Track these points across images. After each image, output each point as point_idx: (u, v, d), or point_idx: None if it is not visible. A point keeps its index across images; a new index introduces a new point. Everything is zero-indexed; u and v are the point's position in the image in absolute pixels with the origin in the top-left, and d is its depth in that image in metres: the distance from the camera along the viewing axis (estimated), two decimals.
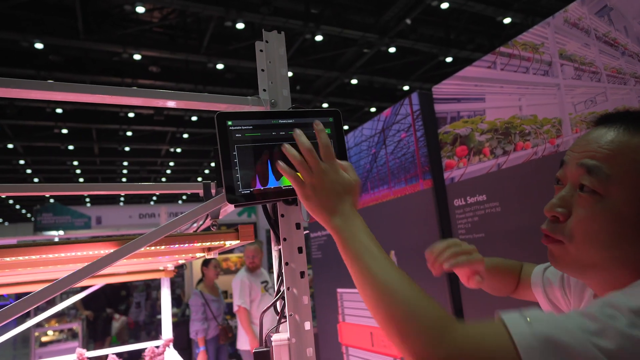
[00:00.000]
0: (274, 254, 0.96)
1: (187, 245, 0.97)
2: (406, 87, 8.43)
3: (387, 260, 0.63)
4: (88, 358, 2.10)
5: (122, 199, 13.25)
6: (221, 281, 6.34)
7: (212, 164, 12.21)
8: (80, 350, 2.10)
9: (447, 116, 1.99)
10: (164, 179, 13.27)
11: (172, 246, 0.94)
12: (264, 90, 0.98)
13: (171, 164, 11.83)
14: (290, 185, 0.84)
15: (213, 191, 1.19)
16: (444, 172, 2.03)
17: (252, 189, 0.79)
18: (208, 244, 1.00)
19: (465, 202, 1.92)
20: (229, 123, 0.81)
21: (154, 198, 13.71)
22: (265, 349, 0.89)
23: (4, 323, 0.70)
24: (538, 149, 1.64)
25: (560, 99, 1.55)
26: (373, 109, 9.13)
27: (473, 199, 1.88)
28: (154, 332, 6.70)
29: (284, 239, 0.89)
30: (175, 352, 2.27)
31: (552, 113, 1.58)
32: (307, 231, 3.18)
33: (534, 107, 1.65)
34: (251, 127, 0.83)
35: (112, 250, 0.80)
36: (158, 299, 7.23)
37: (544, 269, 0.87)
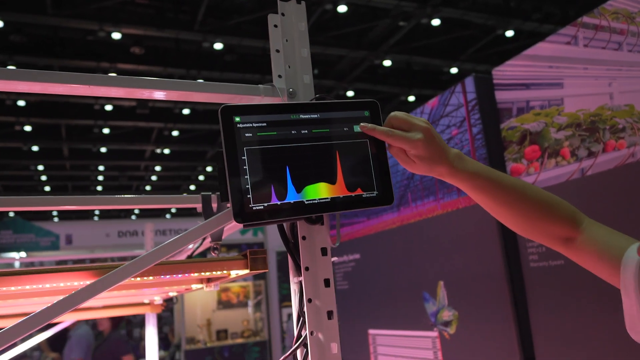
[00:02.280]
0: (293, 288, 0.94)
1: (180, 276, 0.97)
2: (454, 70, 8.35)
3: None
4: None
5: (97, 212, 13.47)
6: (219, 317, 6.36)
7: (210, 169, 12.31)
8: None
9: (513, 107, 1.96)
10: (148, 187, 13.44)
11: (162, 277, 0.93)
12: (280, 76, 0.97)
13: (157, 168, 11.94)
14: (315, 199, 0.84)
15: (214, 205, 1.20)
16: None
17: (266, 204, 0.79)
18: (207, 274, 0.99)
19: None
20: (237, 119, 0.81)
21: (136, 212, 13.90)
22: None
23: None
24: (636, 149, 1.61)
25: None
26: (412, 98, 9.06)
27: None
28: None
29: (306, 269, 0.88)
30: None
31: None
32: (335, 258, 3.22)
33: (629, 94, 1.62)
34: (265, 124, 0.82)
35: (88, 282, 0.80)
36: (142, 338, 7.30)
37: (637, 267, 0.84)
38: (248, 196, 0.77)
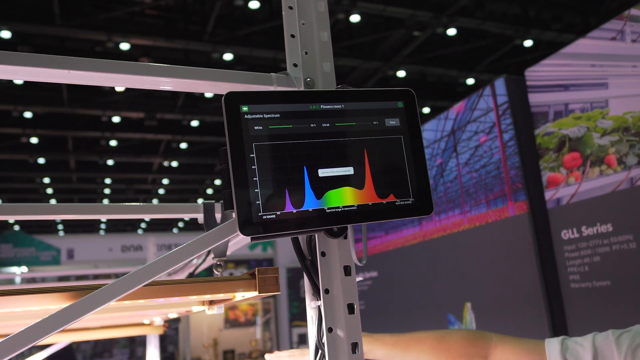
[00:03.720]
0: (310, 314, 0.84)
1: (177, 299, 0.84)
2: (470, 81, 8.29)
3: None
4: None
5: (102, 226, 13.52)
6: (226, 336, 6.27)
7: (219, 182, 12.33)
8: None
9: (549, 110, 1.91)
10: (155, 201, 13.49)
11: (155, 300, 0.81)
12: (295, 65, 0.88)
13: (165, 181, 12.01)
14: (338, 207, 0.73)
15: (218, 216, 1.08)
16: (546, 191, 1.96)
17: (279, 213, 0.69)
18: (208, 296, 0.86)
19: (580, 235, 1.82)
20: (245, 109, 0.71)
21: (143, 225, 13.93)
22: None
23: None
24: None
25: None
26: (426, 110, 9.02)
27: (592, 229, 1.77)
28: None
29: (326, 291, 0.79)
30: None
31: None
32: (361, 278, 3.17)
33: None
34: (278, 115, 0.73)
35: (64, 306, 0.69)
36: (145, 357, 7.19)
37: (561, 352, 1.02)
38: (257, 203, 0.68)
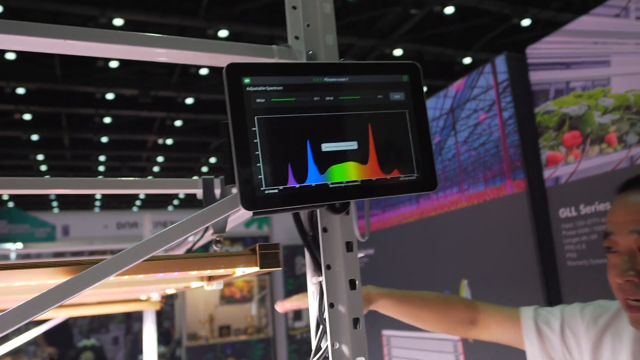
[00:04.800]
0: (311, 290, 0.85)
1: (177, 273, 0.83)
2: (467, 60, 8.27)
3: None
4: None
5: (97, 203, 13.57)
6: (222, 312, 6.34)
7: (214, 160, 12.32)
8: None
9: (550, 89, 1.90)
10: (150, 178, 13.52)
11: (155, 275, 0.80)
12: (297, 38, 0.86)
13: (160, 159, 12.05)
14: (341, 182, 0.72)
15: (217, 191, 1.07)
16: (544, 170, 1.97)
17: (281, 187, 0.68)
18: (208, 272, 0.85)
19: (578, 214, 1.83)
20: (247, 81, 0.69)
21: (138, 203, 13.98)
22: None
23: None
24: None
25: None
26: (424, 89, 9.03)
27: (590, 208, 1.79)
28: None
29: (328, 267, 0.78)
30: None
31: None
32: (362, 254, 3.19)
33: None
34: (281, 87, 0.71)
35: (62, 281, 0.68)
36: (142, 332, 7.28)
37: (534, 318, 1.16)
38: (259, 177, 0.67)
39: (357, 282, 0.79)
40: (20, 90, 8.16)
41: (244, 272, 0.87)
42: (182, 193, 1.16)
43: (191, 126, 10.23)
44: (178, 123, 9.88)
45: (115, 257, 0.69)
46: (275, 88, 0.70)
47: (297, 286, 6.23)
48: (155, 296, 1.93)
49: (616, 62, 1.69)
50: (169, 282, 1.18)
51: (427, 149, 0.77)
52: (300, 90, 0.71)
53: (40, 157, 11.09)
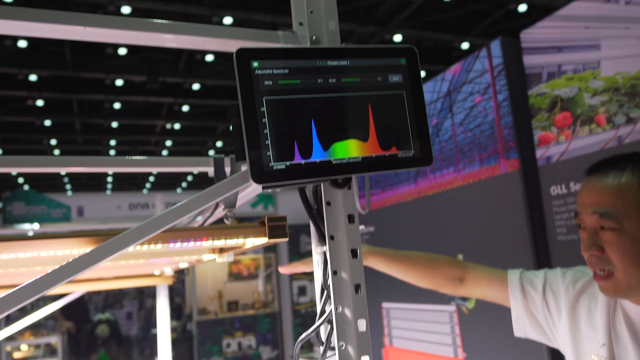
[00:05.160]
0: (316, 259, 0.88)
1: (191, 244, 0.87)
2: (465, 45, 8.19)
3: None
4: None
5: (109, 185, 13.60)
6: (230, 289, 6.42)
7: (220, 144, 12.31)
8: None
9: (543, 72, 1.90)
10: (163, 157, 13.57)
11: (171, 244, 0.83)
12: (301, 24, 0.88)
13: (168, 143, 12.05)
14: (343, 158, 0.74)
15: (228, 169, 1.10)
16: (537, 149, 1.97)
17: (288, 163, 0.71)
18: (222, 242, 0.89)
19: (568, 191, 1.83)
20: (255, 64, 0.72)
21: (148, 185, 14.01)
22: None
23: None
24: None
25: None
26: (422, 74, 8.95)
27: (579, 185, 1.75)
28: (149, 349, 6.87)
29: (331, 237, 0.81)
30: None
31: None
32: (363, 226, 3.22)
33: None
34: (287, 70, 0.74)
35: (88, 250, 0.71)
36: (154, 308, 7.39)
37: (519, 279, 1.25)
38: (268, 154, 0.70)
39: (358, 251, 0.82)
40: (33, 77, 8.15)
41: (254, 243, 0.91)
42: (195, 171, 1.19)
43: (198, 111, 10.19)
44: (185, 108, 9.86)
45: (137, 227, 0.72)
46: (281, 71, 0.72)
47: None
48: (169, 271, 1.97)
49: (606, 45, 1.68)
50: (182, 255, 1.22)
51: (424, 127, 0.79)
52: (305, 73, 0.73)
53: (53, 141, 11.09)
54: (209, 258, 1.25)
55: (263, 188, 0.73)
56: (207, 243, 0.89)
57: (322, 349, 0.83)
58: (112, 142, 11.59)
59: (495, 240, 2.12)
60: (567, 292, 1.16)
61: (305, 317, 6.22)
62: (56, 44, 7.37)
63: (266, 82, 0.71)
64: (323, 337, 0.83)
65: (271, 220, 0.84)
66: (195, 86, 9.00)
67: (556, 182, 1.88)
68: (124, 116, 9.95)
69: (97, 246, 0.71)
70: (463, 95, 2.24)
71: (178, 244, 0.86)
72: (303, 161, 0.71)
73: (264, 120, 0.69)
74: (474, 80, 2.17)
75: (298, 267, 1.28)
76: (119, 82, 8.62)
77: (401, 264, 1.31)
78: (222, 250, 1.16)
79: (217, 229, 0.87)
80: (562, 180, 1.86)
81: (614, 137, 1.67)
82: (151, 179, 13.76)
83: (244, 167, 0.75)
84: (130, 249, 0.73)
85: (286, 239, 0.86)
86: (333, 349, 0.79)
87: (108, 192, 13.64)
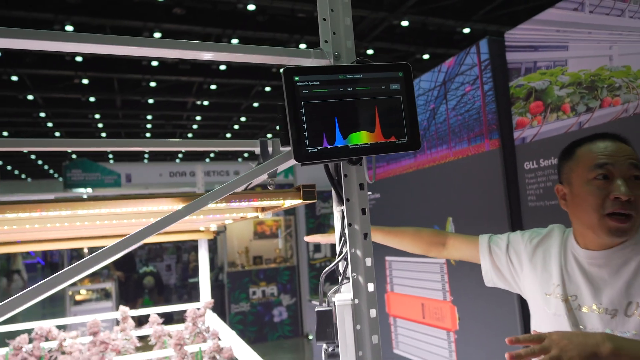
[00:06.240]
0: (336, 215, 1.03)
1: (246, 202, 1.07)
2: (466, 30, 8.05)
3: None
4: (131, 317, 2.34)
5: (146, 155, 13.76)
6: (255, 245, 6.64)
7: (244, 119, 12.33)
8: (123, 308, 2.35)
9: (522, 67, 1.95)
10: (190, 135, 13.62)
11: (233, 203, 1.04)
12: (326, 41, 1.00)
13: (198, 118, 12.04)
14: (357, 144, 0.91)
15: (270, 149, 1.29)
16: (514, 132, 2.02)
17: (319, 148, 0.84)
18: (267, 202, 1.10)
19: (538, 166, 1.91)
20: (296, 79, 0.86)
21: (180, 155, 14.13)
22: (327, 309, 0.99)
23: (79, 277, 0.82)
24: (629, 106, 1.61)
25: None
26: (426, 56, 8.84)
27: (547, 161, 1.86)
28: (186, 295, 7.19)
29: (347, 200, 0.94)
30: (215, 315, 2.49)
31: None
32: (370, 192, 3.30)
33: (627, 57, 1.61)
34: (318, 82, 0.87)
35: (181, 206, 0.91)
36: (189, 262, 7.69)
37: (488, 241, 1.32)
38: (305, 141, 0.83)
39: (366, 209, 0.95)
40: (78, 58, 8.24)
41: (291, 203, 1.12)
42: (246, 151, 1.34)
43: (224, 90, 10.16)
44: (213, 87, 9.83)
45: (215, 190, 0.91)
46: (314, 83, 0.86)
47: (316, 224, 6.33)
48: (214, 227, 2.15)
49: (572, 46, 1.75)
50: (232, 212, 1.41)
51: (414, 122, 0.91)
52: (330, 84, 0.86)
53: (97, 116, 11.23)
54: (252, 215, 1.44)
55: (302, 165, 0.90)
56: (257, 203, 1.10)
57: (340, 278, 0.97)
58: (149, 117, 11.65)
59: (479, 205, 2.20)
60: (526, 248, 1.23)
61: (319, 270, 6.28)
62: (99, 28, 7.44)
63: (304, 91, 0.84)
64: (341, 270, 0.95)
65: (305, 187, 1.05)
66: (222, 67, 9.03)
67: (529, 158, 1.95)
68: (159, 94, 9.96)
69: (188, 203, 0.90)
70: (456, 84, 2.29)
71: (237, 203, 1.07)
72: (329, 146, 0.84)
73: (302, 117, 0.83)
74: (465, 72, 2.22)
75: (318, 239, 1.37)
76: (154, 63, 8.69)
77: (395, 237, 1.41)
78: (263, 210, 1.36)
79: (264, 192, 1.07)
80: (533, 157, 1.93)
81: (576, 122, 1.75)
82: (183, 150, 13.82)
83: (284, 149, 0.92)
84: (210, 206, 0.93)
85: (315, 201, 1.06)
86: (348, 278, 0.91)
87: (145, 161, 13.82)
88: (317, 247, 6.33)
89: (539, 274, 1.20)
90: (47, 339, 2.13)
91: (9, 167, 16.19)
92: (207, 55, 0.94)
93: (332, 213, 1.03)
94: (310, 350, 5.82)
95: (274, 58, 1.01)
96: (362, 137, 0.87)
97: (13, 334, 2.05)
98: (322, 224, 6.31)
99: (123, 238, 0.83)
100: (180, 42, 0.91)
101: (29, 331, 2.11)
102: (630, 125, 1.61)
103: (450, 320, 2.42)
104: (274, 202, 1.11)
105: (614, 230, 1.01)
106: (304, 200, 1.05)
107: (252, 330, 6.17)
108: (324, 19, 0.99)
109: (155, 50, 0.88)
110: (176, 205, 1.00)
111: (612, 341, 0.86)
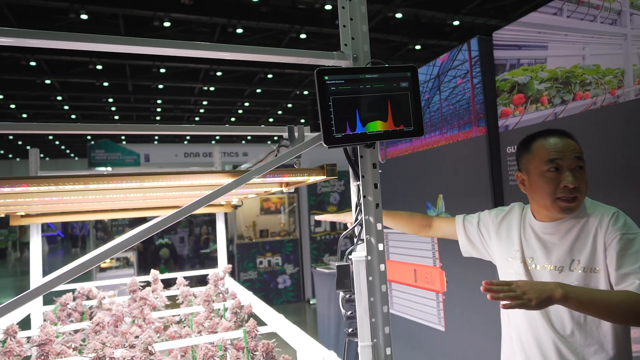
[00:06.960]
0: (353, 189, 1.14)
1: (278, 177, 1.20)
2: (456, 22, 8.06)
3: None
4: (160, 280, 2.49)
5: (156, 137, 13.76)
6: (262, 220, 6.77)
7: (247, 104, 12.26)
8: (154, 271, 2.50)
9: (507, 63, 2.02)
10: (197, 118, 13.61)
11: (267, 178, 1.17)
12: (346, 45, 1.10)
13: (204, 102, 12.02)
14: (373, 131, 1.04)
15: (296, 134, 1.41)
16: (499, 120, 2.10)
17: (343, 134, 0.95)
18: (295, 178, 1.23)
19: None
20: (326, 78, 0.97)
21: (188, 138, 14.14)
22: (345, 264, 1.14)
23: (137, 242, 0.94)
24: (597, 100, 1.70)
25: (626, 50, 1.60)
26: (418, 47, 8.85)
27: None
28: (198, 265, 7.36)
29: (363, 176, 1.04)
30: (232, 279, 2.65)
31: (616, 64, 1.64)
32: (380, 171, 3.38)
33: (597, 57, 1.69)
34: (343, 81, 0.97)
35: (231, 180, 1.04)
36: (201, 234, 7.83)
37: (462, 221, 1.46)
38: (332, 128, 0.94)
39: (378, 184, 1.05)
40: None
41: (315, 179, 1.25)
42: (275, 135, 1.46)
43: (230, 76, 10.12)
44: (219, 73, 9.84)
45: (257, 168, 1.04)
46: (340, 81, 0.95)
47: (317, 202, 6.40)
48: (236, 201, 2.26)
49: (551, 47, 1.83)
50: (259, 186, 1.52)
51: (419, 113, 1.02)
52: (353, 82, 0.95)
53: (110, 99, 11.20)
54: (277, 190, 1.57)
55: (329, 147, 0.99)
56: (287, 178, 1.24)
57: (355, 240, 1.05)
58: (159, 101, 11.63)
59: (467, 184, 2.28)
60: (493, 223, 1.38)
61: (319, 243, 6.38)
62: (112, 17, 7.41)
63: (332, 88, 0.93)
64: (356, 233, 1.05)
65: (328, 165, 1.19)
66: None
67: (511, 144, 2.04)
68: (169, 79, 9.92)
69: (237, 178, 1.04)
70: (448, 77, 2.35)
71: (271, 178, 1.21)
72: (351, 133, 0.93)
73: (330, 109, 0.93)
74: (457, 67, 2.28)
75: (328, 217, 1.52)
76: None
77: (393, 218, 1.53)
78: (287, 185, 1.49)
79: (295, 169, 1.20)
80: (514, 143, 1.99)
81: (552, 113, 1.85)
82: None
83: (310, 134, 1.03)
84: (253, 180, 1.06)
85: (336, 177, 1.20)
86: (362, 239, 1.00)
87: (155, 142, 13.82)
88: (318, 222, 6.41)
89: (503, 242, 1.34)
90: (88, 298, 2.28)
91: (28, 147, 16.13)
92: (240, 56, 1.00)
93: (331, 192, 1.15)
94: (312, 313, 6.01)
95: (303, 59, 1.11)
96: (377, 125, 0.97)
97: (59, 293, 2.19)
98: (322, 201, 6.40)
99: (180, 208, 0.94)
100: (213, 45, 0.96)
101: (72, 291, 2.25)
102: (597, 117, 1.71)
103: (439, 283, 2.52)
104: (299, 178, 1.25)
105: (564, 208, 1.17)
106: (327, 176, 1.18)
107: (259, 295, 6.17)
108: (344, 26, 1.07)
109: (182, 51, 0.93)
110: (226, 179, 1.12)
111: (563, 288, 1.03)
